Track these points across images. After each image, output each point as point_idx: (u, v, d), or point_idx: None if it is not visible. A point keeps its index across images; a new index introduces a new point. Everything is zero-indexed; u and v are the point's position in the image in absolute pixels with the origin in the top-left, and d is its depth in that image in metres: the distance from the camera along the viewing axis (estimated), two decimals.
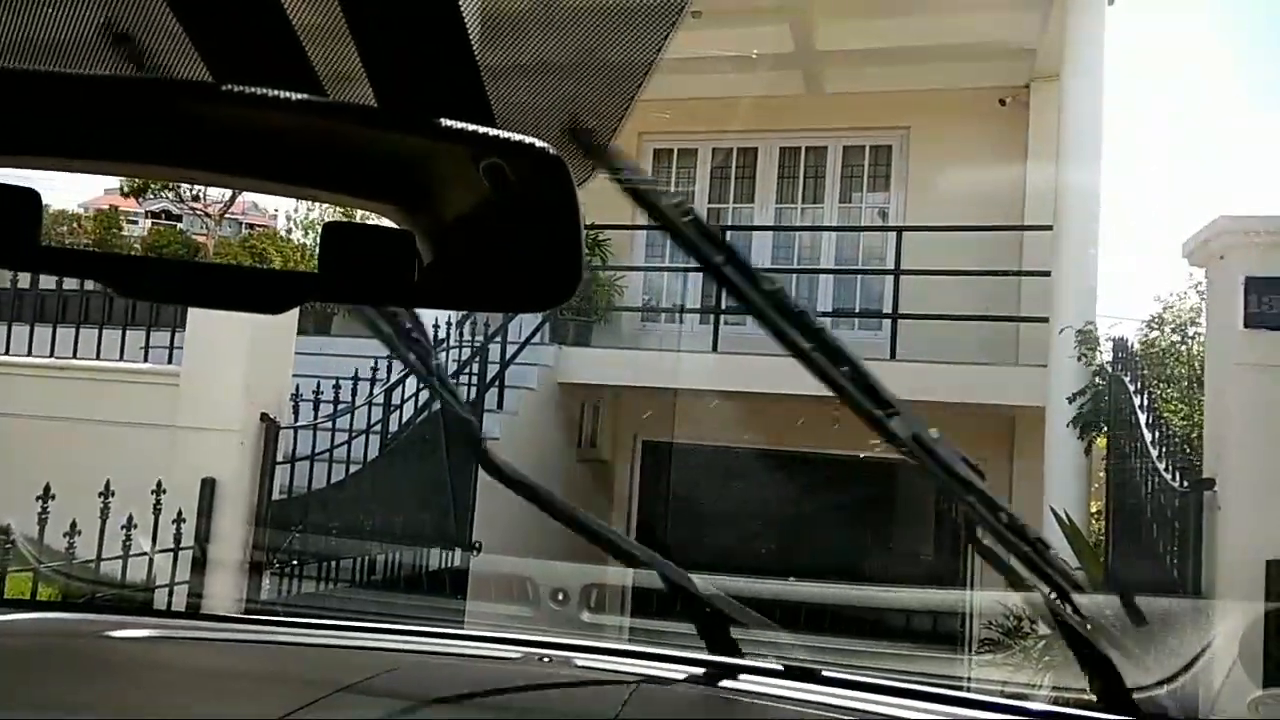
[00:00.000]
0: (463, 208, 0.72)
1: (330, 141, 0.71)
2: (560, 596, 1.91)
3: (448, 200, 0.73)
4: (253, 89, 0.63)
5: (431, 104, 0.66)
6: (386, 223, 0.76)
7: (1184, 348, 6.00)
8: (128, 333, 5.88)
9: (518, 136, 0.66)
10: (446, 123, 0.65)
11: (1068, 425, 6.26)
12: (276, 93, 0.64)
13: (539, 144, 0.66)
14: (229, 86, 0.64)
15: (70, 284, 6.39)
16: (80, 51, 0.84)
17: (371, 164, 0.74)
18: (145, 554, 4.08)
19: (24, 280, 6.52)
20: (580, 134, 0.89)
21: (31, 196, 0.67)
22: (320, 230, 0.76)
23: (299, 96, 0.65)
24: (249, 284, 0.81)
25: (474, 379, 6.69)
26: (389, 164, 0.73)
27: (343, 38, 0.70)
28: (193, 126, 0.69)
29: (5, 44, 0.80)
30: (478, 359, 6.73)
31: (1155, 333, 6.33)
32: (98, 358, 5.62)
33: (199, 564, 4.27)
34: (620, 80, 0.93)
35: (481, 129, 0.66)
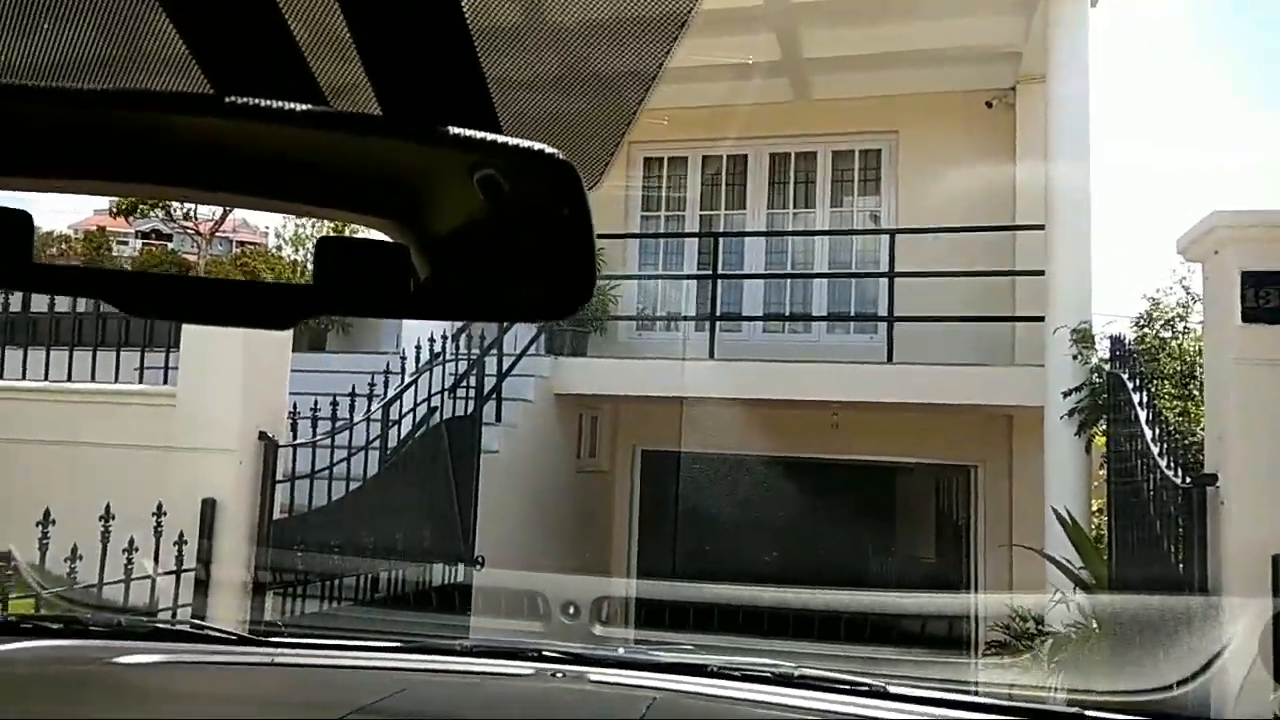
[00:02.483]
0: (471, 217, 0.71)
1: (328, 155, 0.70)
2: (570, 610, 1.89)
3: (451, 211, 0.72)
4: (257, 101, 0.63)
5: (438, 113, 0.66)
6: (380, 236, 0.75)
7: (1181, 343, 6.00)
8: (122, 354, 5.86)
9: (527, 143, 0.65)
10: (455, 130, 0.64)
11: (1062, 418, 6.28)
12: (281, 104, 0.63)
13: (549, 150, 0.65)
14: (233, 99, 0.63)
15: (62, 306, 6.36)
16: (78, 72, 0.83)
17: (371, 178, 0.73)
18: (148, 577, 4.06)
19: (15, 304, 6.49)
20: None
21: (23, 218, 0.66)
22: (314, 245, 0.75)
23: (304, 107, 0.64)
24: (255, 299, 0.80)
25: (471, 392, 6.67)
26: (389, 177, 0.72)
27: (341, 49, 0.69)
28: (190, 142, 0.68)
29: (3, 65, 0.79)
30: (474, 372, 6.71)
31: (1152, 329, 6.33)
32: (92, 380, 5.59)
33: (202, 586, 4.25)
34: (625, 90, 0.92)
35: (490, 136, 0.65)
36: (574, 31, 0.92)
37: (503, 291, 0.73)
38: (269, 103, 0.62)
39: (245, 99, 0.62)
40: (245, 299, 0.79)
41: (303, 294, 0.78)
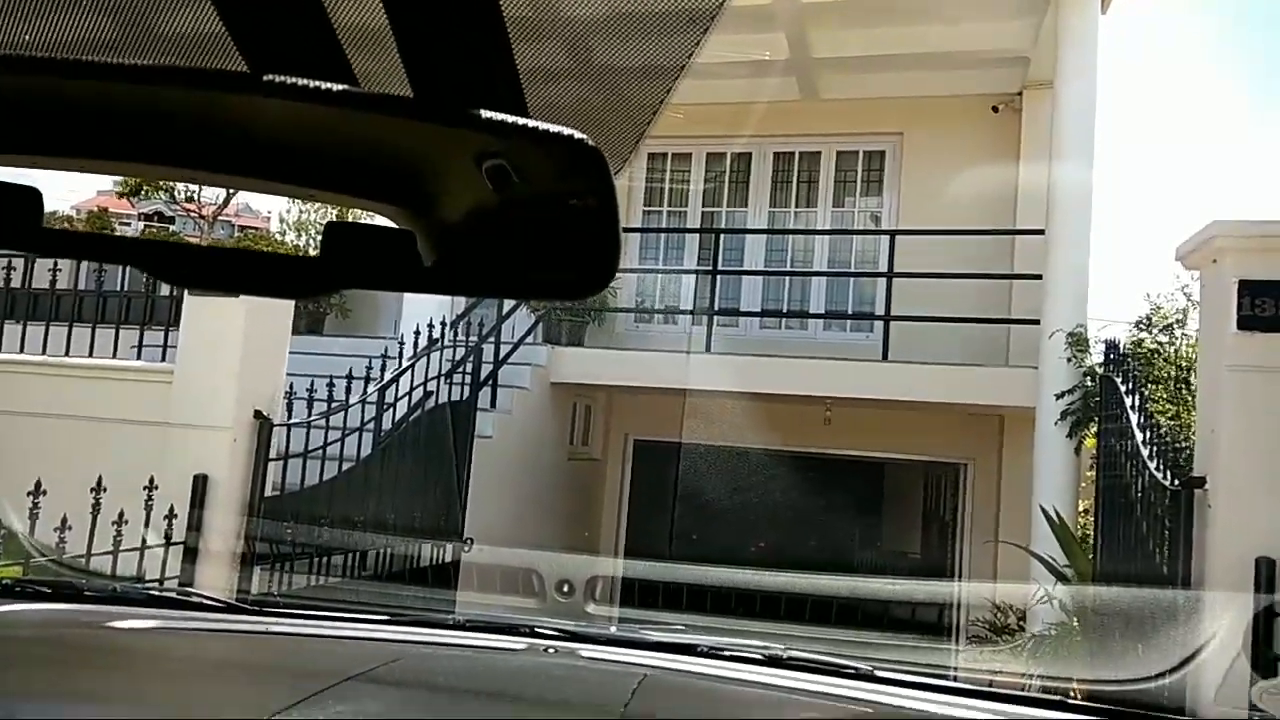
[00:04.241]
0: (482, 204, 0.72)
1: (348, 139, 0.70)
2: (565, 588, 1.92)
3: (461, 197, 0.74)
4: (294, 80, 0.63)
5: (469, 99, 0.67)
6: (385, 222, 0.76)
7: (1174, 349, 6.04)
8: (121, 331, 5.86)
9: (557, 128, 0.66)
10: (487, 114, 0.66)
11: (1056, 423, 6.32)
12: (318, 84, 0.64)
13: (578, 135, 0.66)
14: (270, 77, 0.64)
15: (63, 283, 6.36)
16: (112, 52, 0.83)
17: (386, 163, 0.74)
18: (136, 549, 4.07)
19: (16, 279, 6.49)
20: None
21: (33, 194, 0.67)
22: (322, 229, 0.77)
23: (340, 87, 0.64)
24: (268, 269, 0.81)
25: (467, 378, 6.69)
26: (403, 163, 0.73)
27: (371, 34, 0.70)
28: (214, 122, 0.68)
29: (36, 44, 0.80)
30: (471, 358, 6.73)
31: (1145, 334, 6.36)
32: (91, 355, 5.60)
33: (190, 556, 4.27)
34: (652, 82, 0.94)
35: (520, 120, 0.66)
36: (603, 22, 0.94)
37: (523, 270, 0.75)
38: (306, 82, 0.63)
39: (282, 78, 0.63)
40: (259, 269, 0.80)
41: (314, 267, 0.79)
